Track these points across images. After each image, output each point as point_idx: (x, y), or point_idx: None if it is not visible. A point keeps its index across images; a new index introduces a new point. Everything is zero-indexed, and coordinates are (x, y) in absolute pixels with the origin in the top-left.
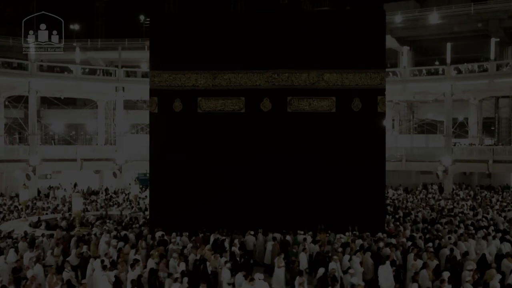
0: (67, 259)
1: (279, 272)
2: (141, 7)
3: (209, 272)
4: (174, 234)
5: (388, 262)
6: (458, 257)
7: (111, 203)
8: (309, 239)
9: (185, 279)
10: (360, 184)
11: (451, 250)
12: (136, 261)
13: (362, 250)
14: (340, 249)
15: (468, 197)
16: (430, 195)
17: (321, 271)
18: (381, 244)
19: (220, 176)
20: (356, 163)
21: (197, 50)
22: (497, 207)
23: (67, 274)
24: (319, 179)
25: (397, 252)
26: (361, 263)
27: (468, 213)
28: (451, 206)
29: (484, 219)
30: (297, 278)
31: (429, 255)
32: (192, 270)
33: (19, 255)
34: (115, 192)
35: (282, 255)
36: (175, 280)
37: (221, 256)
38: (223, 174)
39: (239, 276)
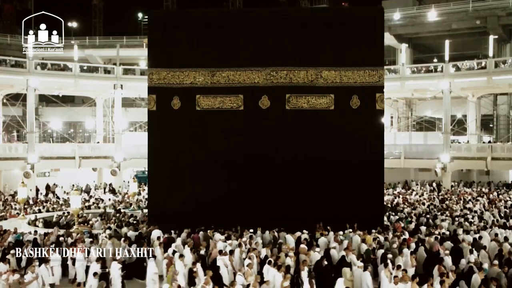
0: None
1: (412, 272)
2: (139, 5)
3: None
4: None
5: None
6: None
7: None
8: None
9: None
10: (359, 181)
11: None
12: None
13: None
14: (394, 245)
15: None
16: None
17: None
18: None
19: (219, 174)
20: (355, 160)
21: (196, 47)
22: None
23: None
24: (318, 176)
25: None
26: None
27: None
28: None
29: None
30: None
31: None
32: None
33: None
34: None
35: (415, 255)
36: None
37: None
38: (221, 172)
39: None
